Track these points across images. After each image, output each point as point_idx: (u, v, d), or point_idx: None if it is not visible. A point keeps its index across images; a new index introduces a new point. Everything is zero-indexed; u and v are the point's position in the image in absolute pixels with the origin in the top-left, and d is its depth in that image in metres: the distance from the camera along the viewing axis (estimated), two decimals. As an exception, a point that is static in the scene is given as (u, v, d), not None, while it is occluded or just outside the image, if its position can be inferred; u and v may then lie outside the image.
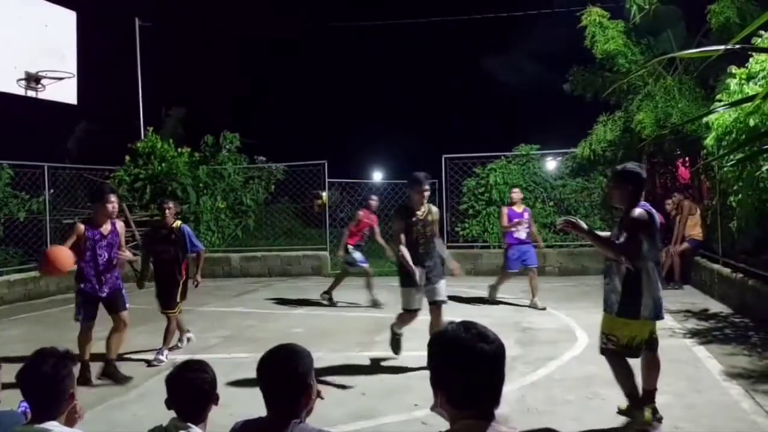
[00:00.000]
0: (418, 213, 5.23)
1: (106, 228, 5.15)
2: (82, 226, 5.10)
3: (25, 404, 2.31)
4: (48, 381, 2.10)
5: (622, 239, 3.67)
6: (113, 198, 5.20)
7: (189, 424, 2.10)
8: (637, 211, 3.68)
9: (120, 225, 5.34)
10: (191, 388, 2.14)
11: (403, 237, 5.16)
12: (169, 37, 18.54)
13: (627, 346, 3.76)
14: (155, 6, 16.98)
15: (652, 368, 3.92)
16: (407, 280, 5.16)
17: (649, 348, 3.86)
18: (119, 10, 15.96)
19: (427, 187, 5.27)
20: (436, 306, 5.24)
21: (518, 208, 8.32)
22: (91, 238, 5.07)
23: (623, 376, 3.83)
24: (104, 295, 5.19)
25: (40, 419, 2.08)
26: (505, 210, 8.44)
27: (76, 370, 2.24)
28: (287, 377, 1.90)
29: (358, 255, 8.59)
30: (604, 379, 4.90)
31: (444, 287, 5.31)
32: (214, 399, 2.20)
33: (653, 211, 3.77)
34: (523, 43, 22.34)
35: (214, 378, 2.22)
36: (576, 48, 10.82)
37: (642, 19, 9.11)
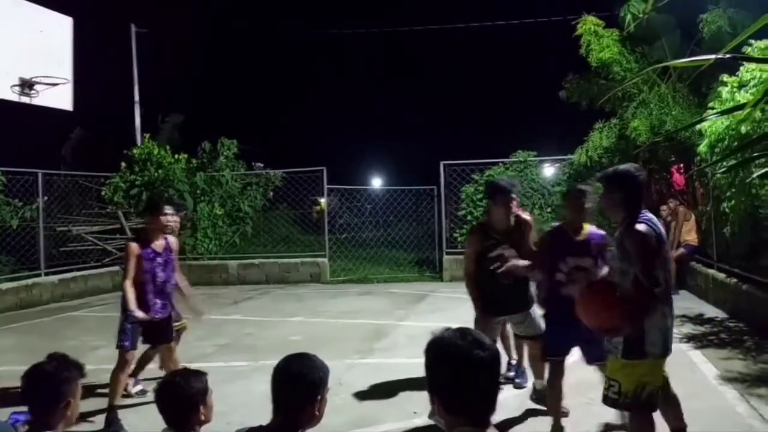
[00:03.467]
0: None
1: (159, 244, 4.63)
2: (133, 245, 4.54)
3: (15, 416, 2.31)
4: (46, 381, 2.13)
5: (626, 275, 2.96)
6: (169, 209, 4.68)
7: None
8: (642, 229, 2.93)
9: (173, 240, 4.82)
10: (178, 397, 2.17)
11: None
12: (166, 43, 18.57)
13: (635, 397, 2.96)
14: (152, 12, 17.01)
15: (671, 403, 3.26)
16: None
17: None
18: (116, 16, 16.01)
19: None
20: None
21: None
22: (146, 257, 4.53)
23: None
24: (157, 317, 4.61)
25: (35, 428, 2.08)
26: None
27: (80, 386, 2.22)
28: (300, 385, 1.90)
29: None
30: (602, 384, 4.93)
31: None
32: (202, 407, 2.20)
33: (655, 221, 3.04)
34: (521, 51, 22.47)
35: (203, 387, 2.22)
36: (571, 56, 10.89)
37: (636, 27, 9.19)
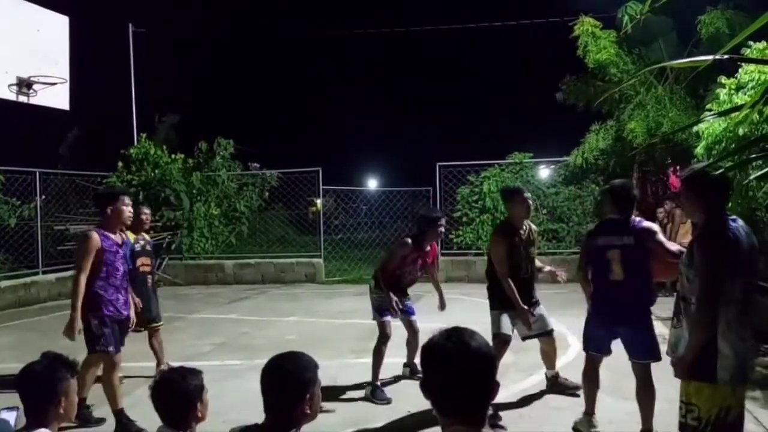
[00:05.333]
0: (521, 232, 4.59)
1: (118, 238, 4.38)
2: (96, 236, 4.17)
3: (5, 411, 2.32)
4: (37, 381, 2.14)
5: (695, 280, 2.68)
6: (128, 200, 4.38)
7: None
8: (721, 237, 2.62)
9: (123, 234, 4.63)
10: (175, 394, 2.16)
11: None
12: (163, 42, 18.55)
13: (719, 424, 2.61)
14: (149, 11, 17.00)
15: None
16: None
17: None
18: (113, 16, 15.99)
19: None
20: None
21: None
22: (108, 250, 4.21)
23: None
24: (125, 315, 4.42)
25: (30, 426, 2.09)
26: None
27: (74, 384, 2.23)
28: (288, 384, 1.89)
29: None
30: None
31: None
32: (199, 405, 2.19)
33: (741, 229, 2.66)
34: (518, 52, 22.51)
35: (200, 384, 2.21)
36: (568, 57, 10.92)
37: (633, 29, 9.22)
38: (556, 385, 4.85)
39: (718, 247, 2.63)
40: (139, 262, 5.33)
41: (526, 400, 4.66)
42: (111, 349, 4.21)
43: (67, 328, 4.16)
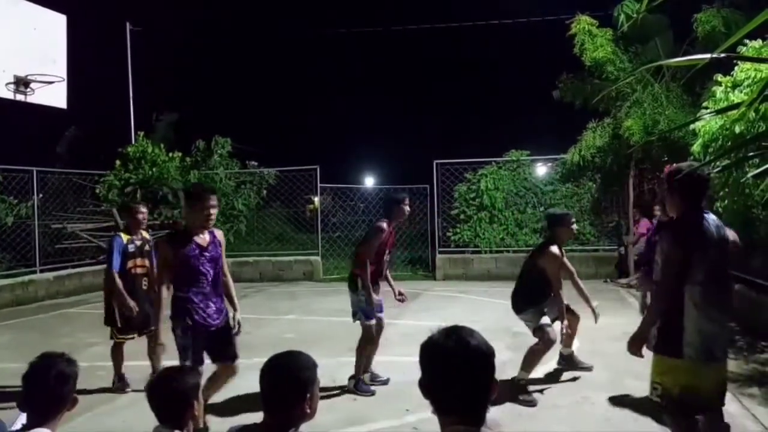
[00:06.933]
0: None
1: (203, 239, 3.84)
2: (164, 242, 3.88)
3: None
4: (34, 379, 2.14)
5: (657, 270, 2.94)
6: (213, 201, 3.82)
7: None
8: (679, 229, 2.90)
9: (219, 234, 4.01)
10: (172, 392, 2.17)
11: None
12: (161, 41, 18.49)
13: (682, 401, 2.76)
14: (147, 10, 16.95)
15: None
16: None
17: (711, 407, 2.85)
18: (111, 14, 15.94)
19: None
20: None
21: None
22: (190, 254, 3.76)
23: None
24: (216, 323, 3.92)
25: (30, 425, 2.09)
26: None
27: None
28: (287, 384, 1.89)
29: None
30: (594, 383, 4.96)
31: None
32: (195, 404, 2.20)
33: (710, 221, 2.87)
34: (515, 50, 22.51)
35: (197, 383, 2.22)
36: (565, 55, 10.93)
37: (630, 27, 9.23)
38: (570, 363, 5.25)
39: (678, 234, 2.86)
40: (130, 263, 5.10)
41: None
42: (188, 362, 3.70)
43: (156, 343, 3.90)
